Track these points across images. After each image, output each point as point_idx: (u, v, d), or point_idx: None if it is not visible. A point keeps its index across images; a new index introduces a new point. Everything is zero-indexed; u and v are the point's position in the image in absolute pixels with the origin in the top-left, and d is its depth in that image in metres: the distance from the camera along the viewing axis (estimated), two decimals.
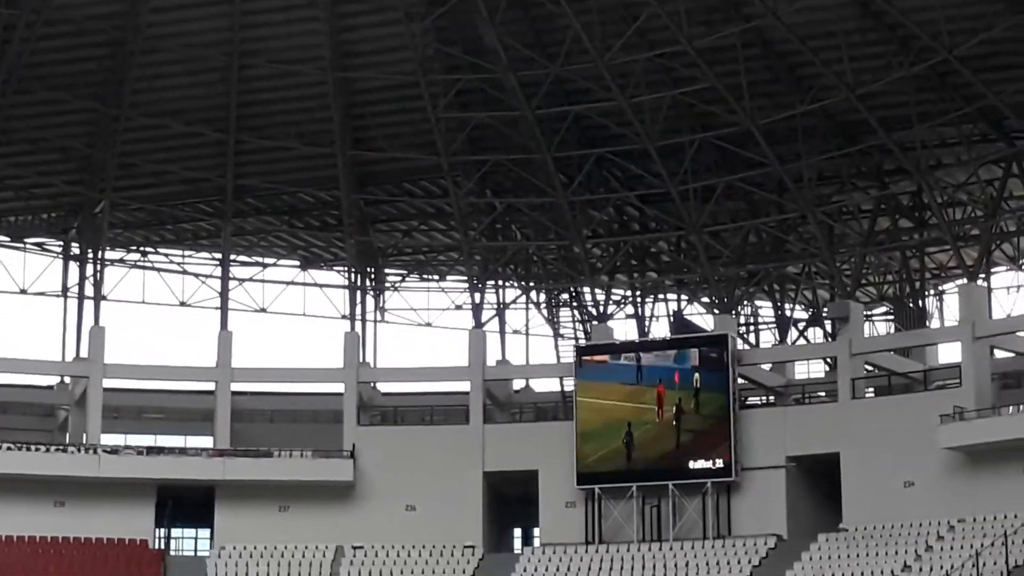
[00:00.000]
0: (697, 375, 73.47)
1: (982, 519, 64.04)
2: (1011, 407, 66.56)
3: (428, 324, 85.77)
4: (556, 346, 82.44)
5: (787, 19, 65.35)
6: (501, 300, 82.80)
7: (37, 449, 73.12)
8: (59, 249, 79.82)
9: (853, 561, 66.21)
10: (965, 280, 71.48)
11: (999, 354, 70.43)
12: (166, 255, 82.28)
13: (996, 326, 69.51)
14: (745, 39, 66.71)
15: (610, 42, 66.42)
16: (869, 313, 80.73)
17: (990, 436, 64.80)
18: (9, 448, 71.88)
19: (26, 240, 79.89)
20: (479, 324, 79.22)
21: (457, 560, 72.52)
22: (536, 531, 75.88)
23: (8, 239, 79.37)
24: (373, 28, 71.00)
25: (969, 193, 72.13)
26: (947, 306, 79.91)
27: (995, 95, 65.80)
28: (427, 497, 73.85)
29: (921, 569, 62.89)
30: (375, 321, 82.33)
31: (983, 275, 71.83)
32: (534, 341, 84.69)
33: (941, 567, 61.75)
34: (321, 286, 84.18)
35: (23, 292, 79.36)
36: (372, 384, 79.18)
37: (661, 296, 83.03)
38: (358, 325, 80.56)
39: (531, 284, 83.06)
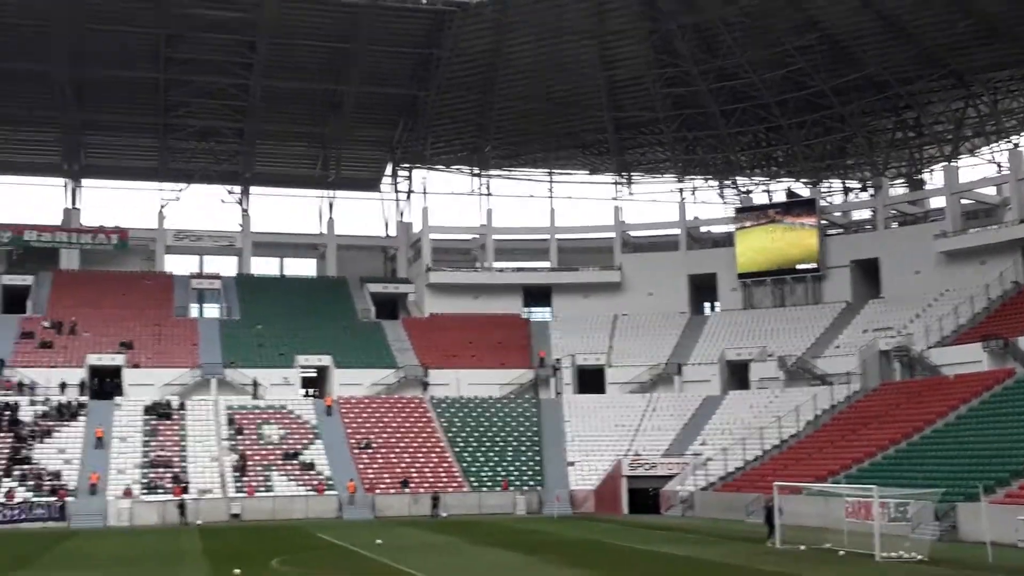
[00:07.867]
0: (802, 219, 74.08)
1: (957, 289, 64.72)
2: (971, 231, 67.35)
3: (655, 200, 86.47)
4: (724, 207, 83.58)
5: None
6: (694, 186, 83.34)
7: (466, 270, 78.84)
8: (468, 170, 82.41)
9: (886, 313, 67.59)
10: (945, 163, 71.62)
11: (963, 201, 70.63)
12: (480, 173, 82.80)
13: (964, 186, 70.21)
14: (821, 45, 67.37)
15: (747, 45, 68.21)
16: (892, 184, 78.60)
17: (959, 245, 66.40)
18: (449, 270, 77.46)
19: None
20: (683, 199, 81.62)
21: (675, 319, 75.11)
22: (717, 304, 77.16)
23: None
24: (628, 46, 71.23)
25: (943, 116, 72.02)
26: (933, 177, 77.95)
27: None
28: (658, 288, 75.92)
29: (926, 314, 63.97)
30: (628, 199, 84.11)
31: (956, 160, 71.90)
32: (716, 206, 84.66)
33: (935, 314, 62.94)
34: (597, 183, 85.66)
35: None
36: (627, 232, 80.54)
37: (780, 179, 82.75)
38: (619, 203, 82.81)
39: (708, 176, 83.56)
